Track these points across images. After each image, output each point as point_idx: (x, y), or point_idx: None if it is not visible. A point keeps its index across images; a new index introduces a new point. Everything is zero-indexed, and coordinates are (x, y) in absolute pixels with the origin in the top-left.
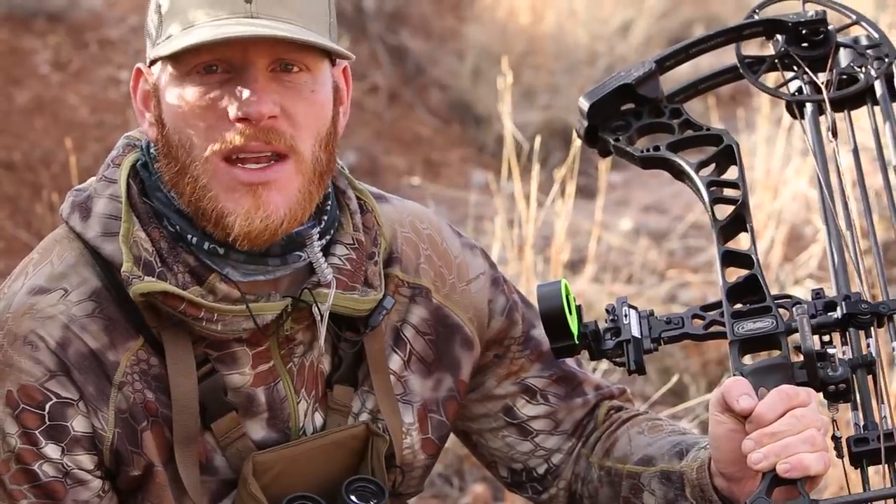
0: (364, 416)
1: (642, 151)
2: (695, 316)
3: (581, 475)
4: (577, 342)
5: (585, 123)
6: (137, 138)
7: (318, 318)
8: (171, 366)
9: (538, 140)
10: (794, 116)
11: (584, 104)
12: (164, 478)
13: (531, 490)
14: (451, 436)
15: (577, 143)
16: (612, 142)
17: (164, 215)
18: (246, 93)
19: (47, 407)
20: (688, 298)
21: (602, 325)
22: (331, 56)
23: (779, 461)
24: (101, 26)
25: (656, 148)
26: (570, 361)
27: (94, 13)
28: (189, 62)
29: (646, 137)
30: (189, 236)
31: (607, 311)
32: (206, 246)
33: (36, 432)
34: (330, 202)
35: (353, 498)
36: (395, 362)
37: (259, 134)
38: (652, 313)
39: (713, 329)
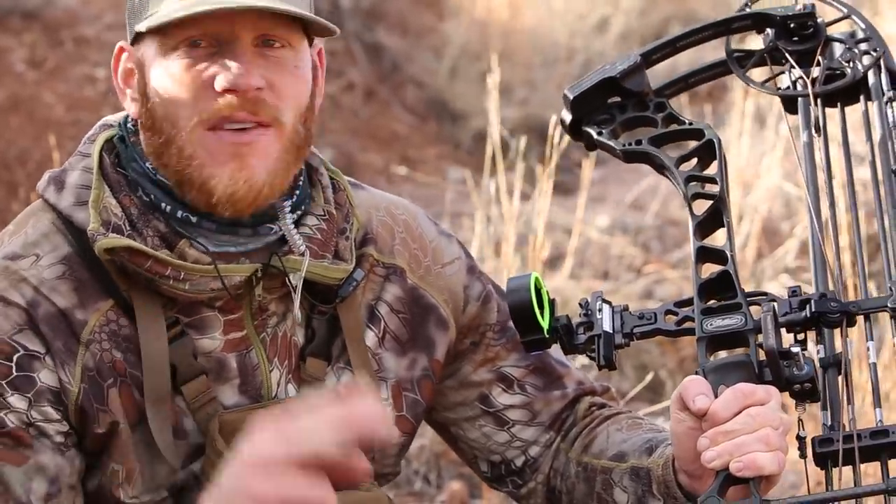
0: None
1: (624, 145)
2: (668, 312)
3: (560, 470)
4: (546, 336)
5: (569, 116)
6: (115, 120)
7: (291, 286)
8: (142, 327)
9: (524, 140)
10: (787, 111)
11: (568, 96)
12: (128, 437)
13: (511, 484)
14: (428, 433)
15: (556, 139)
16: (595, 135)
17: (138, 185)
18: (234, 65)
19: (15, 358)
20: (664, 294)
21: (575, 320)
22: (309, 36)
23: (732, 460)
24: (77, 24)
25: (638, 142)
26: (554, 354)
27: (70, 11)
28: (176, 36)
29: (630, 131)
30: (163, 205)
31: (581, 305)
32: (179, 214)
33: (2, 383)
34: (302, 178)
35: None
36: (370, 339)
37: (246, 104)
38: (626, 308)
39: (686, 325)
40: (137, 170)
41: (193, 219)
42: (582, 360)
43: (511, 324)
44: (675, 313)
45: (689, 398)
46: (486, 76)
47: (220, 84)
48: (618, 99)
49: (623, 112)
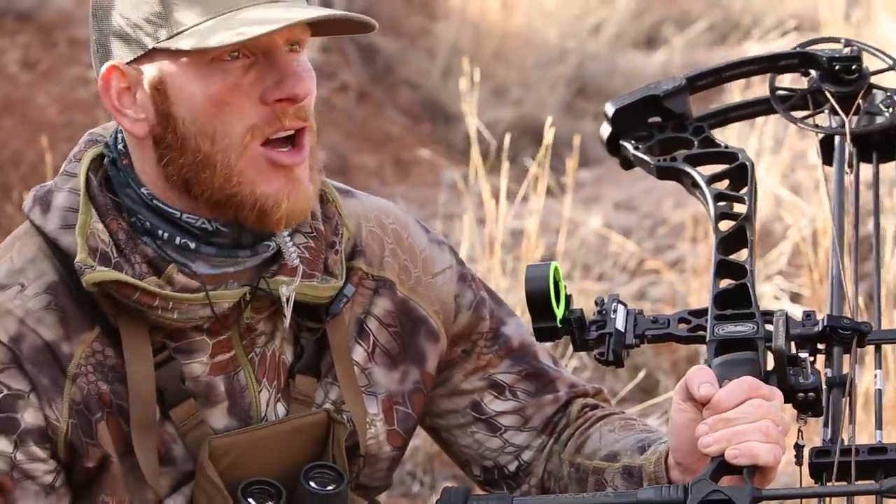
0: (327, 407)
1: (659, 161)
2: (681, 319)
3: (553, 472)
4: (559, 325)
5: (609, 129)
6: (100, 134)
7: (283, 301)
8: (128, 353)
9: (508, 140)
10: (824, 157)
11: (610, 109)
12: (118, 469)
13: (505, 487)
14: (422, 434)
15: (548, 139)
16: (632, 149)
17: (132, 210)
18: (284, 74)
19: None
20: (658, 295)
21: (589, 317)
22: None
23: (729, 446)
24: (71, 26)
25: (673, 159)
26: (545, 359)
27: (64, 13)
28: (212, 51)
29: (666, 152)
30: (160, 231)
31: (596, 303)
32: (177, 241)
33: None
34: None
35: (311, 484)
36: (359, 354)
37: (299, 112)
38: (640, 312)
39: (698, 334)
40: (132, 195)
41: (192, 245)
42: (574, 363)
43: (503, 329)
44: (688, 321)
45: (694, 385)
46: (473, 76)
47: (272, 96)
48: (658, 119)
49: (662, 131)
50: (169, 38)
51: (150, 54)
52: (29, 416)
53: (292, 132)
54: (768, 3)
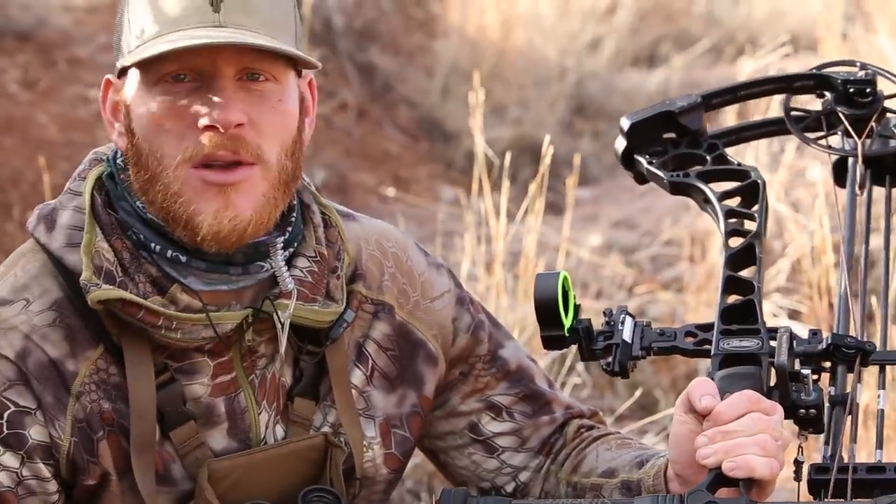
0: (325, 430)
1: (672, 176)
2: (688, 333)
3: (550, 492)
4: (566, 334)
5: (624, 143)
6: (104, 153)
7: (279, 327)
8: (130, 372)
9: (509, 158)
10: (836, 182)
11: (625, 123)
12: (117, 487)
13: None
14: (420, 452)
15: (547, 158)
16: (646, 164)
17: (128, 225)
18: (214, 101)
19: (6, 415)
20: (657, 314)
21: (597, 328)
22: (296, 67)
23: (726, 459)
24: (70, 45)
25: (686, 174)
26: (541, 381)
27: (63, 32)
28: (157, 71)
29: (680, 167)
30: (152, 244)
31: (604, 314)
32: (168, 254)
33: None
34: (295, 214)
35: None
36: (358, 377)
37: (227, 142)
38: (648, 324)
39: (704, 347)
40: (127, 209)
41: (183, 258)
42: (574, 379)
43: (501, 352)
44: (695, 335)
45: (696, 397)
46: (472, 95)
47: (201, 121)
48: (672, 135)
49: (676, 147)
50: (127, 55)
51: (124, 71)
52: (36, 433)
53: (233, 162)
54: (766, 20)
